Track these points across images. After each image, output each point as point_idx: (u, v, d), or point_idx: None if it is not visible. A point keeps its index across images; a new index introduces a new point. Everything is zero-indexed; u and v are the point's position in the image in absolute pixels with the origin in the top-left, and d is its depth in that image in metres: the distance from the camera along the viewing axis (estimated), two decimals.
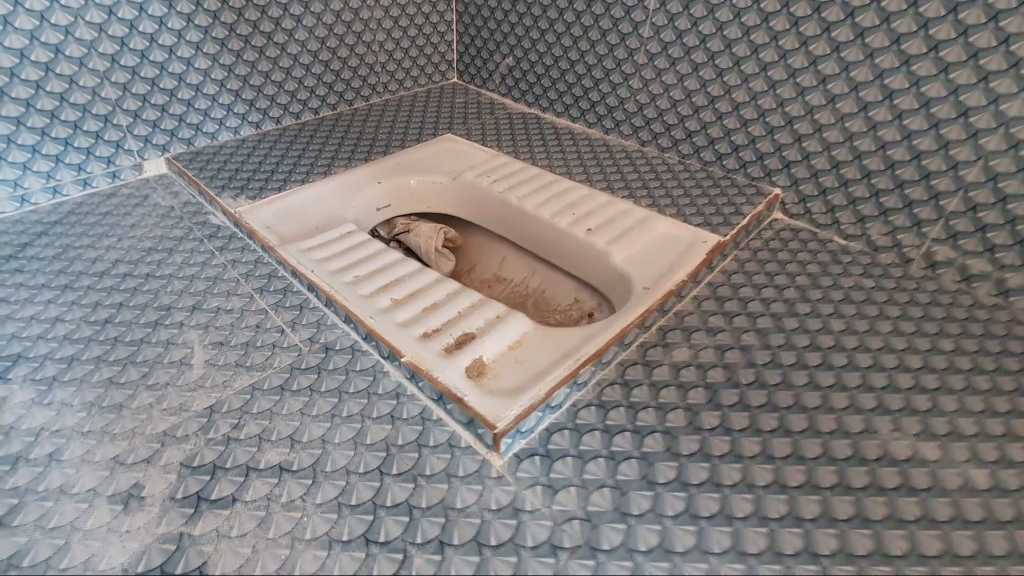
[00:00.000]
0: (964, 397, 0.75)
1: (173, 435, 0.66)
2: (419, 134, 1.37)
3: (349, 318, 0.80)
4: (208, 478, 0.61)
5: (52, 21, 0.99)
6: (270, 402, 0.70)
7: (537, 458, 0.65)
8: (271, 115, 1.35)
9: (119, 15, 1.05)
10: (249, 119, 1.32)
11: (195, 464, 0.62)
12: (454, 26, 1.64)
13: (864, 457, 0.67)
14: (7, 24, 0.95)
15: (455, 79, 1.74)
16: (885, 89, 0.94)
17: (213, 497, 0.59)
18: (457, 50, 1.68)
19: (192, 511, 0.58)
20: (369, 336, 0.77)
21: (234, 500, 0.59)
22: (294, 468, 0.63)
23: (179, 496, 0.59)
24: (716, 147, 1.20)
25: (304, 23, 1.30)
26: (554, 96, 1.46)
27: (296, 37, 1.30)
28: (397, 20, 1.49)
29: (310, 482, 0.61)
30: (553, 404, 0.69)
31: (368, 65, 1.48)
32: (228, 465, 0.63)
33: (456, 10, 1.61)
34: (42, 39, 0.99)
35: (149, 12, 1.08)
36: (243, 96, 1.28)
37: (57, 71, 1.02)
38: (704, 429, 0.69)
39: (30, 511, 0.57)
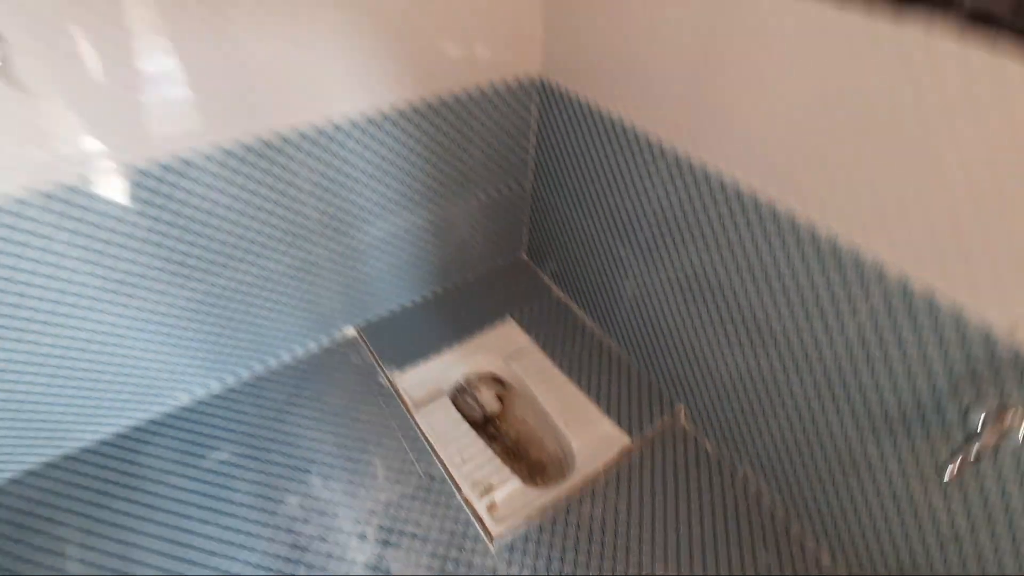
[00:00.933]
0: None
1: (374, 512, 1.72)
2: (492, 316, 2.34)
3: (443, 463, 1.83)
4: (388, 535, 1.67)
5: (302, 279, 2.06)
6: (408, 501, 1.75)
7: (508, 551, 1.65)
8: (412, 298, 2.38)
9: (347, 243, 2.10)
10: (399, 300, 2.35)
11: (385, 526, 1.69)
12: (527, 218, 2.55)
13: None
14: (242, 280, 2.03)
15: (523, 255, 2.67)
16: (744, 352, 1.79)
17: (391, 542, 1.66)
18: (526, 237, 2.60)
19: (382, 548, 1.64)
20: (450, 477, 1.80)
21: (397, 545, 1.65)
22: (420, 535, 1.67)
23: (380, 539, 1.66)
24: (654, 365, 2.08)
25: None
26: (580, 291, 2.36)
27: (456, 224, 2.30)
28: (489, 219, 2.42)
29: (421, 544, 1.66)
30: (519, 528, 1.68)
31: (468, 249, 2.45)
32: (396, 529, 1.68)
33: (531, 206, 2.52)
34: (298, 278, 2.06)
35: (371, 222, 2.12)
36: (401, 279, 2.31)
37: (305, 282, 2.10)
38: (573, 549, 1.66)
39: (323, 547, 1.67)
